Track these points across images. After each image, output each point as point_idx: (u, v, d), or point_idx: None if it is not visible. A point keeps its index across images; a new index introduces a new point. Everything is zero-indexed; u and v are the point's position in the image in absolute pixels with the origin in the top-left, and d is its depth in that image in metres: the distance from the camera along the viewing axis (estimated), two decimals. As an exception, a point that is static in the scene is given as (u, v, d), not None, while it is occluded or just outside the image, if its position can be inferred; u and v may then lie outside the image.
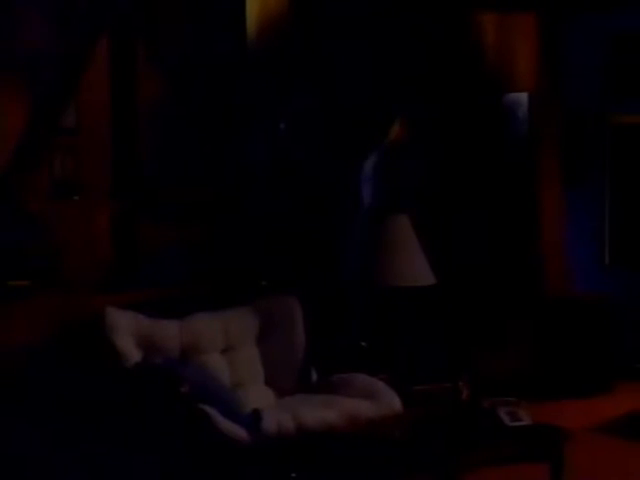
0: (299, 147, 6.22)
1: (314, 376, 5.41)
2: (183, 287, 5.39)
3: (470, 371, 5.90)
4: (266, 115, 6.10)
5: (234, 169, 6.00)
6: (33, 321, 4.95)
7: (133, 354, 4.92)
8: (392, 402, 5.11)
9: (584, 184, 7.41)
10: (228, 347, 5.31)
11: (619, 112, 7.41)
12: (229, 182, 5.97)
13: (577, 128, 7.36)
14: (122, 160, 5.59)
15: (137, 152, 5.68)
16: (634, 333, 7.28)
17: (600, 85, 7.42)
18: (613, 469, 5.48)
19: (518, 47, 6.99)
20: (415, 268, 5.53)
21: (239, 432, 4.65)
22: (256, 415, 4.73)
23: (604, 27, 7.37)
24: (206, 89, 5.85)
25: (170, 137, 5.79)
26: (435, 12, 6.63)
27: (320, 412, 4.93)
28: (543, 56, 7.03)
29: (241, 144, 6.04)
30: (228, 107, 5.96)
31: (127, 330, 4.97)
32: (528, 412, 4.74)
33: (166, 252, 5.61)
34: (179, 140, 5.82)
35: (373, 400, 5.09)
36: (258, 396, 5.21)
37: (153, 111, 5.70)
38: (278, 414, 4.84)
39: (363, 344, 5.66)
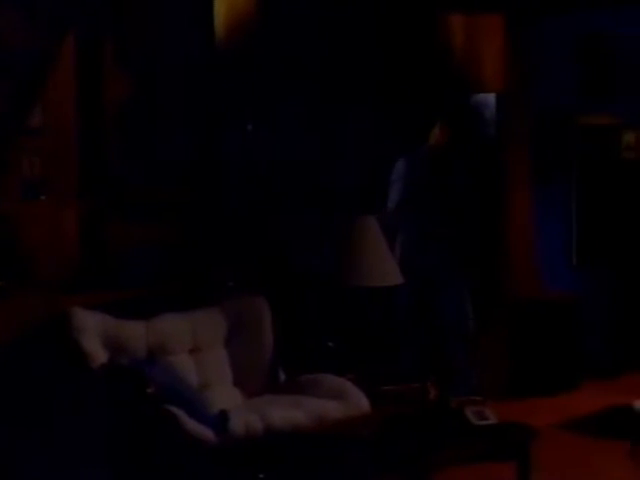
0: (270, 147, 6.22)
1: (282, 377, 5.41)
2: (151, 287, 5.38)
3: (438, 371, 5.94)
4: (235, 115, 6.10)
5: (203, 169, 5.99)
6: (5, 321, 4.93)
7: (99, 355, 4.90)
8: (360, 402, 5.12)
9: (552, 185, 7.45)
10: (196, 348, 5.30)
11: (587, 113, 7.46)
12: (198, 182, 5.95)
13: (545, 129, 7.40)
14: (89, 160, 5.56)
15: (105, 152, 5.66)
16: (601, 332, 7.34)
17: (568, 86, 7.46)
18: (579, 466, 5.53)
19: (486, 48, 7.01)
20: (383, 268, 5.54)
21: (206, 433, 4.64)
22: (223, 416, 4.73)
23: (572, 28, 7.42)
24: (174, 89, 5.84)
25: (138, 137, 5.77)
26: (403, 12, 6.65)
27: (288, 412, 4.92)
28: (511, 57, 7.05)
29: (210, 144, 6.03)
30: (197, 107, 5.95)
31: (94, 331, 4.95)
32: (494, 411, 4.76)
33: (134, 252, 5.59)
34: (147, 140, 5.80)
35: (341, 400, 5.09)
36: (226, 397, 5.20)
37: (121, 110, 5.68)
38: (246, 415, 4.84)
39: (330, 344, 5.67)
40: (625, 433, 5.84)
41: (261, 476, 4.63)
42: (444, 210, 6.42)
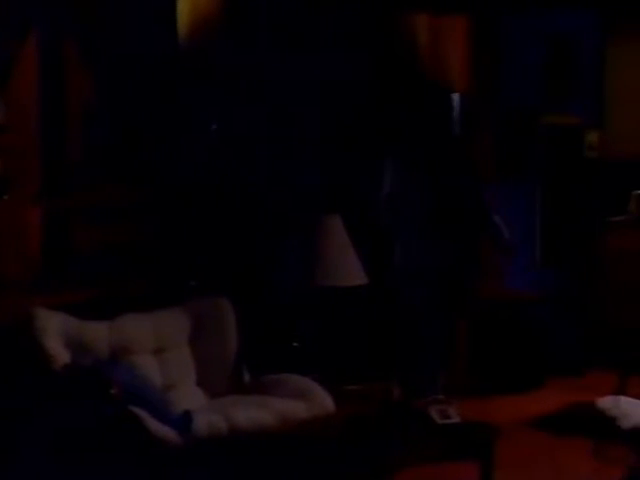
0: (234, 146, 6.22)
1: (246, 377, 5.39)
2: (113, 287, 5.35)
3: (402, 370, 5.96)
4: (198, 116, 6.09)
5: (166, 168, 5.98)
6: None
7: (62, 355, 4.86)
8: (324, 402, 5.11)
9: (516, 184, 7.49)
10: (159, 348, 5.27)
11: (552, 112, 7.52)
12: (161, 182, 5.94)
13: (510, 128, 7.44)
14: (53, 159, 5.54)
15: (68, 151, 5.64)
16: (565, 330, 7.39)
17: (533, 86, 7.51)
18: (543, 464, 5.56)
19: (451, 48, 7.04)
20: (347, 268, 5.55)
21: (169, 434, 4.62)
22: (187, 416, 4.71)
23: (537, 29, 7.46)
24: (137, 88, 5.82)
25: (101, 136, 5.75)
26: (367, 13, 6.66)
27: (252, 413, 4.91)
28: (476, 57, 7.09)
29: (174, 144, 6.02)
30: (161, 106, 5.94)
31: (56, 331, 4.92)
32: (458, 410, 4.78)
33: (96, 252, 5.57)
34: (110, 139, 5.78)
35: (305, 400, 5.09)
36: (189, 397, 5.18)
37: (84, 110, 5.66)
38: (209, 415, 4.82)
39: (295, 344, 5.67)
40: (588, 431, 5.89)
41: (225, 476, 4.62)
42: (442, 210, 6.34)
